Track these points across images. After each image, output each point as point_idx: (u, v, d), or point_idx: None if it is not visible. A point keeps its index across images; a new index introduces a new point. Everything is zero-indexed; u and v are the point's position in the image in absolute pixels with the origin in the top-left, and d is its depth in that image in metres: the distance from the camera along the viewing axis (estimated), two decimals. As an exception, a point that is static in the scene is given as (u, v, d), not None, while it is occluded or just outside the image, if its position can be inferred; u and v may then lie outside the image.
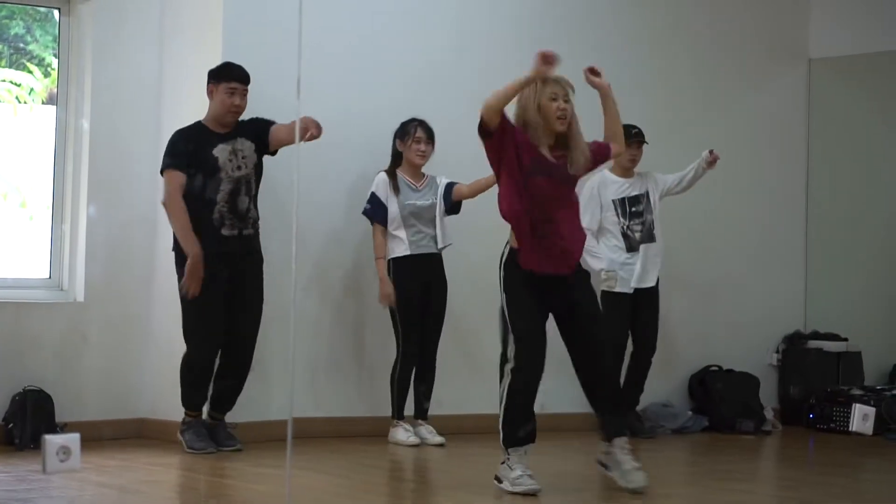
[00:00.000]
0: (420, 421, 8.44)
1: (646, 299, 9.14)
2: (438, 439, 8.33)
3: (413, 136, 8.37)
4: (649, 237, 9.16)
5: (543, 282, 6.47)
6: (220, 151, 7.66)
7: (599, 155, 6.70)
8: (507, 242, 6.54)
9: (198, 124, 7.75)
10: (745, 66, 10.59)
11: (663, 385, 9.56)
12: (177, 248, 7.66)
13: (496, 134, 6.39)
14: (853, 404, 9.01)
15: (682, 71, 10.24)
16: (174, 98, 8.34)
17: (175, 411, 7.84)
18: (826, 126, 10.91)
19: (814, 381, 10.22)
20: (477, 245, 8.65)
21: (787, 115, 10.86)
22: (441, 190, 8.43)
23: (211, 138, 7.69)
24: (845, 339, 10.44)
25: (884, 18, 10.64)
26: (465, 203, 8.50)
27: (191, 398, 7.80)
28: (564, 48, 9.50)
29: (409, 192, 8.37)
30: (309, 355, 8.43)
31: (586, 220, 8.88)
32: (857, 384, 10.17)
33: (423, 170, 8.46)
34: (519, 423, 6.47)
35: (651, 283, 9.15)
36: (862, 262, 10.92)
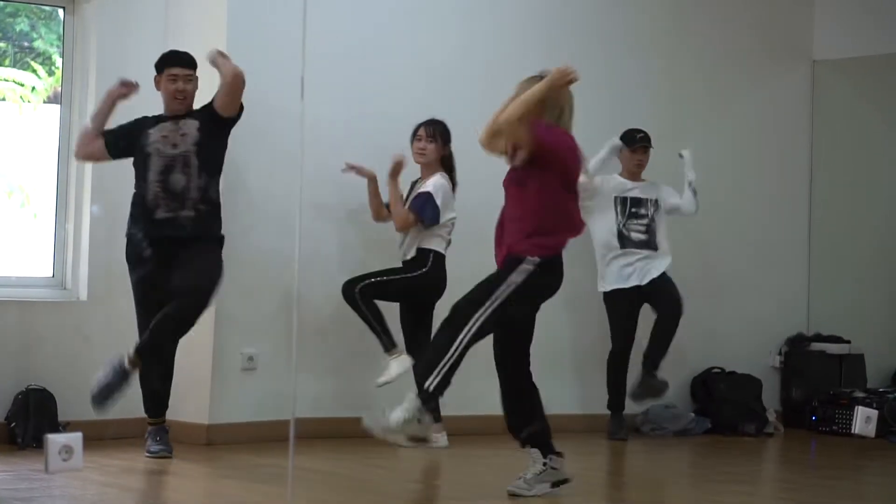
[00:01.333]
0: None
1: (657, 285, 9.13)
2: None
3: (415, 135, 8.36)
4: (650, 244, 9.16)
5: None
6: (157, 130, 7.46)
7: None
8: None
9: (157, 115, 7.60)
10: (748, 68, 10.59)
11: (665, 386, 9.53)
12: (128, 249, 7.53)
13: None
14: (856, 407, 9.03)
15: (685, 72, 10.24)
16: (178, 97, 8.34)
17: (178, 411, 7.82)
18: (829, 128, 10.90)
19: (816, 383, 10.22)
20: (477, 245, 8.66)
21: (791, 117, 10.86)
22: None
23: (156, 121, 7.52)
24: (848, 342, 10.44)
25: (888, 20, 10.63)
26: (465, 199, 8.45)
27: (146, 404, 7.58)
28: (568, 49, 9.58)
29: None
30: (312, 355, 8.42)
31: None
32: (860, 387, 10.17)
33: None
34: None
35: (655, 274, 9.15)
36: (865, 265, 10.92)
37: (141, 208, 7.47)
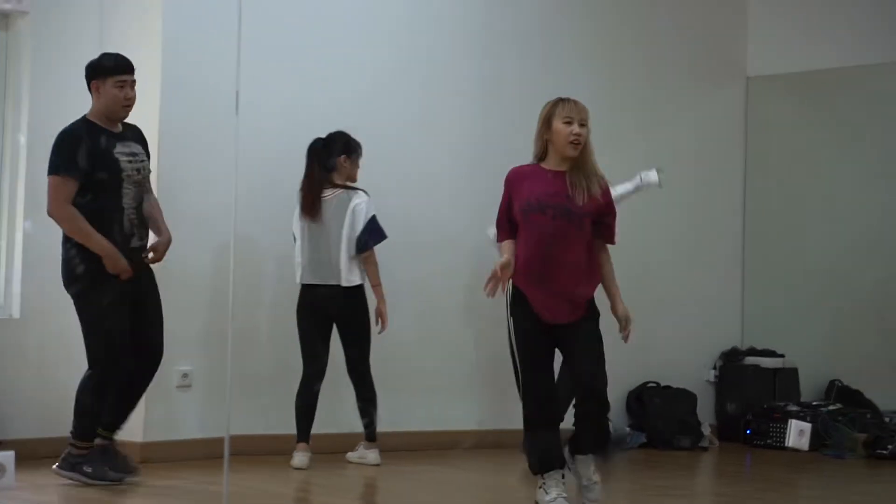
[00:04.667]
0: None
1: None
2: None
3: None
4: None
5: (549, 324, 6.35)
6: (119, 153, 7.10)
7: (605, 201, 6.44)
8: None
9: (87, 121, 7.13)
10: (682, 83, 10.68)
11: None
12: (85, 279, 7.08)
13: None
14: (789, 420, 9.11)
15: (621, 88, 10.29)
16: (112, 113, 8.29)
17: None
18: (763, 142, 11.01)
19: (751, 397, 10.30)
20: (411, 263, 8.69)
21: (725, 132, 10.96)
22: None
23: (110, 138, 7.12)
24: (782, 356, 10.53)
25: (821, 37, 10.76)
26: (400, 221, 8.48)
27: (90, 428, 7.16)
28: (511, 62, 9.62)
29: None
30: (247, 372, 8.39)
31: None
32: (794, 400, 10.25)
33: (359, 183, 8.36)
34: (539, 451, 6.37)
35: None
36: (798, 279, 11.01)
37: (107, 231, 7.05)
